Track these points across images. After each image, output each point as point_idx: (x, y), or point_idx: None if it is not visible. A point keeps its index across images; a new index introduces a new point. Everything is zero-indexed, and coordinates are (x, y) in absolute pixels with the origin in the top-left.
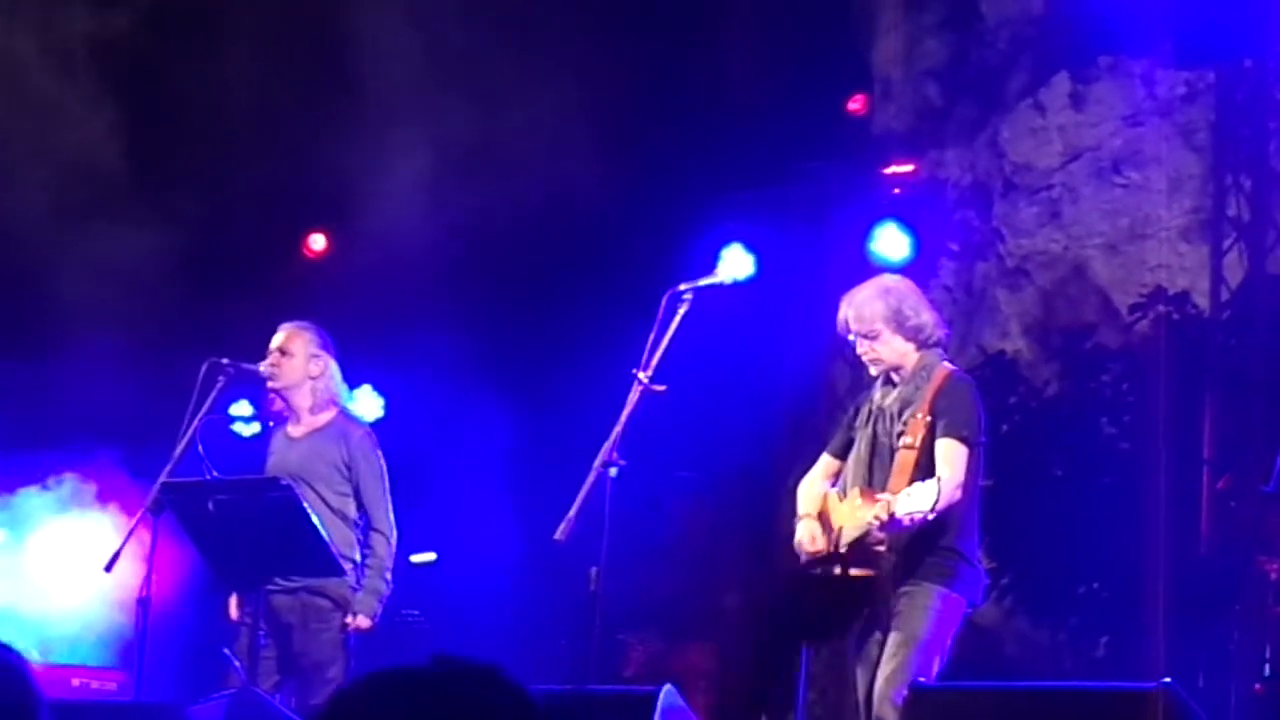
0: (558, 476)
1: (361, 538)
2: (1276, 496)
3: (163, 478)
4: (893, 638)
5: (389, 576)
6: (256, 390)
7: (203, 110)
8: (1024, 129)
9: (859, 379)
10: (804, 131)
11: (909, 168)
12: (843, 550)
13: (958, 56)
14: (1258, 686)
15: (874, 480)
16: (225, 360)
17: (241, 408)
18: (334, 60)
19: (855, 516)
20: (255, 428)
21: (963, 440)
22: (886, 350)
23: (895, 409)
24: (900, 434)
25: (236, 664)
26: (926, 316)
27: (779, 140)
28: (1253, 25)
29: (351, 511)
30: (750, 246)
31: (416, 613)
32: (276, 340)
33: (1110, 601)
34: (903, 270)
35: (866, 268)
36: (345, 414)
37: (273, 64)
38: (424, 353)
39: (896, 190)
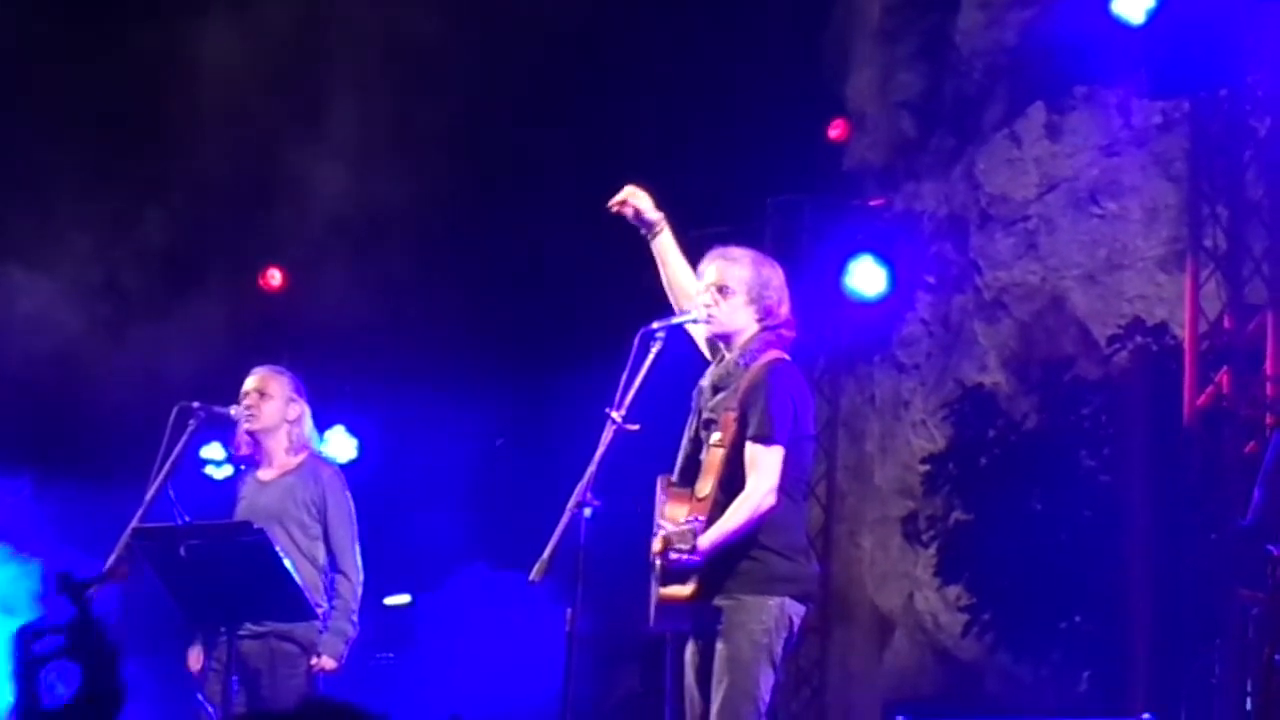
0: (532, 518)
1: (328, 581)
2: (1254, 532)
3: (134, 523)
4: (716, 666)
5: (355, 619)
6: (228, 433)
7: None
8: (1000, 160)
9: (835, 412)
10: (777, 165)
11: (879, 202)
12: (657, 562)
13: (932, 88)
14: None
15: (687, 471)
16: (196, 404)
17: (213, 451)
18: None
19: (665, 521)
20: (227, 470)
21: (766, 440)
22: (729, 314)
23: (709, 389)
24: (710, 423)
25: (209, 710)
26: (784, 309)
27: (752, 175)
28: (1228, 55)
29: (321, 557)
30: None
31: (390, 655)
32: (252, 383)
33: (1092, 636)
34: (879, 304)
35: (842, 302)
36: (315, 455)
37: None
38: (396, 395)
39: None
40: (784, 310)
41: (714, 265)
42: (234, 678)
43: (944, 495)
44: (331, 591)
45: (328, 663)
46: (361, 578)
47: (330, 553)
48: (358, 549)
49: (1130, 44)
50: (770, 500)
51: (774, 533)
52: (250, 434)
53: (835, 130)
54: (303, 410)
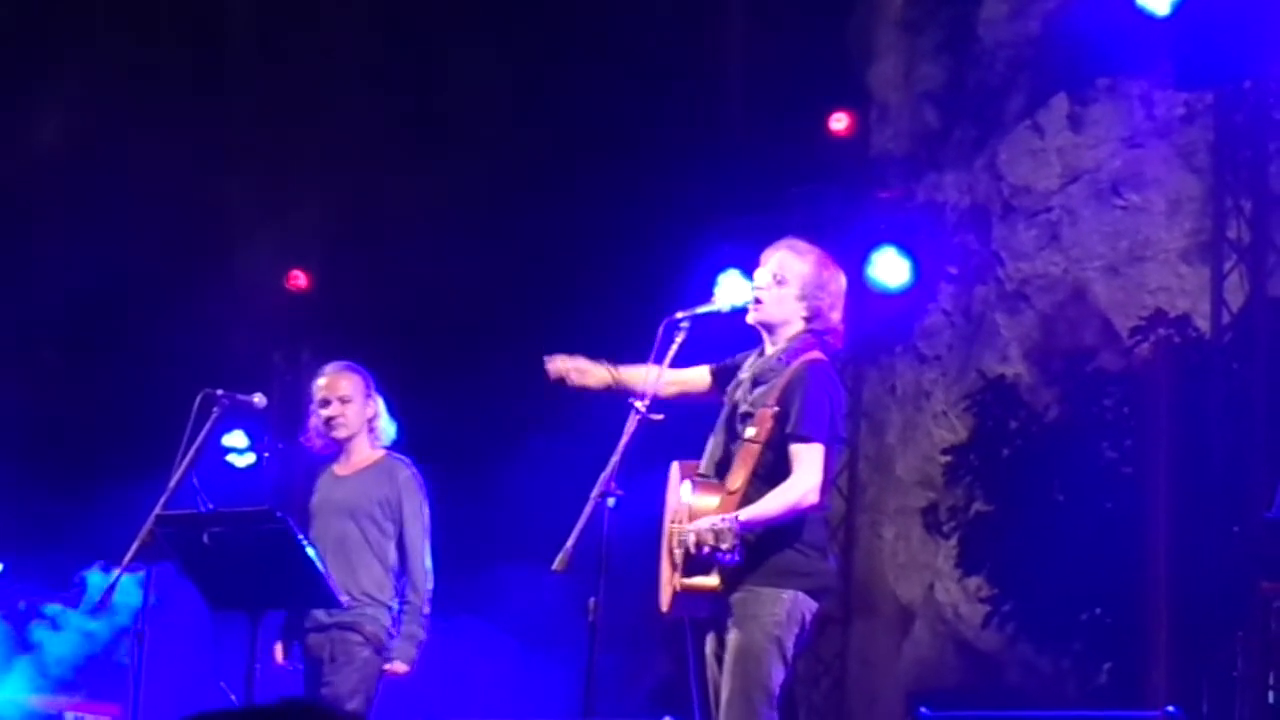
0: (555, 507)
1: (398, 581)
2: (1277, 524)
3: (157, 510)
4: (728, 657)
5: (425, 623)
6: (251, 421)
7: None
8: (1022, 151)
9: (857, 403)
10: (800, 156)
11: (900, 193)
12: (677, 555)
13: (955, 79)
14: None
15: (721, 462)
16: (220, 391)
17: (235, 439)
18: None
19: (692, 511)
20: (249, 458)
21: (806, 439)
22: (778, 304)
23: (749, 381)
24: (746, 415)
25: (232, 698)
26: (835, 316)
27: (775, 165)
28: (1252, 46)
29: (391, 556)
30: (747, 273)
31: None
32: (329, 388)
33: (1113, 628)
34: (901, 294)
35: (865, 292)
36: (392, 454)
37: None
38: (418, 387)
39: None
40: (834, 317)
41: (778, 255)
42: (256, 665)
43: (965, 486)
44: (401, 592)
45: (400, 666)
46: (432, 582)
47: (402, 552)
48: (429, 552)
49: (1154, 35)
50: (813, 498)
51: (795, 527)
52: (340, 440)
53: (838, 123)
54: (378, 405)
